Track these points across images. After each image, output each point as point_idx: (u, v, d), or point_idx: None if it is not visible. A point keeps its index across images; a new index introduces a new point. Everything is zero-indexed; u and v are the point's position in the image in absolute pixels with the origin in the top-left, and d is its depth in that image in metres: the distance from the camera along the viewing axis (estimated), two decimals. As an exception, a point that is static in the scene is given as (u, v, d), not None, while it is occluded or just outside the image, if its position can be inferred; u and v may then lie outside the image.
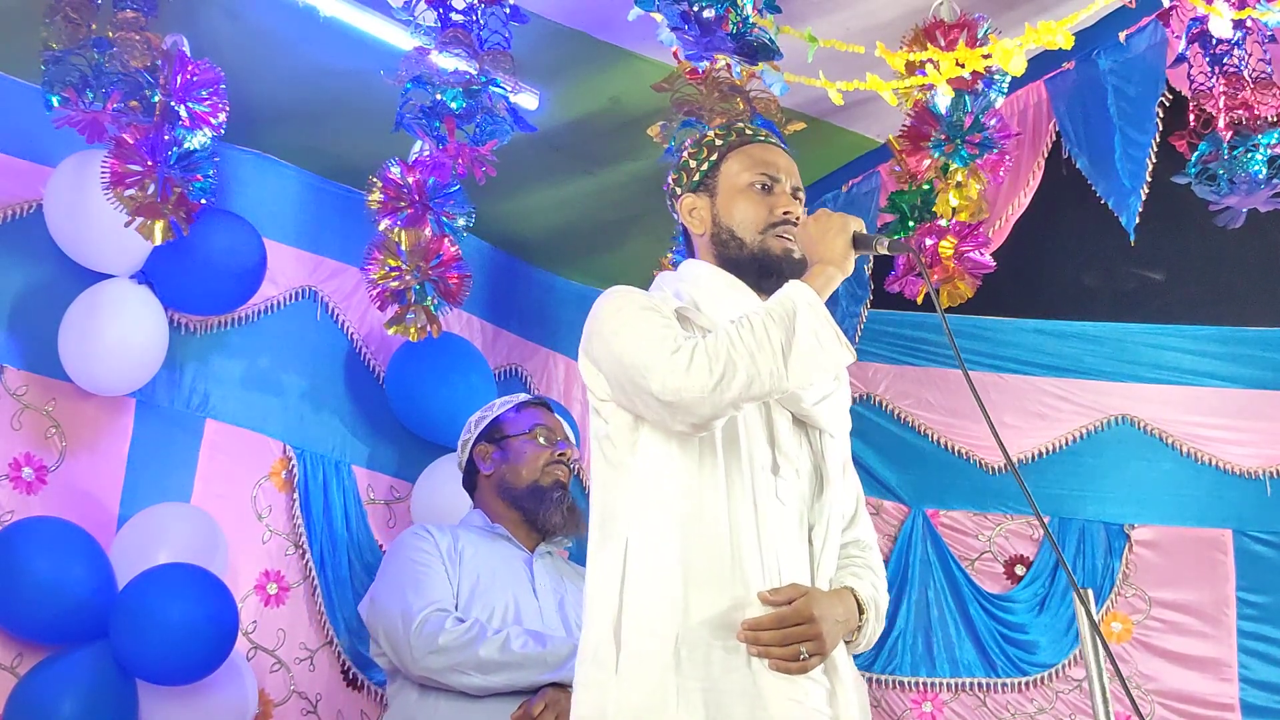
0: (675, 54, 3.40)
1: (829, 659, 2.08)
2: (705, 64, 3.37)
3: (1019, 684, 4.41)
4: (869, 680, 4.38)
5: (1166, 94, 3.77)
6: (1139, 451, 4.56)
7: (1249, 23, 3.33)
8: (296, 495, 3.87)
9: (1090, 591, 2.52)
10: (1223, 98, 3.35)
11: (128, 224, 3.18)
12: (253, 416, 3.87)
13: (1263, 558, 4.45)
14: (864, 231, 2.19)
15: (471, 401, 3.61)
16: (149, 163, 3.14)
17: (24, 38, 3.26)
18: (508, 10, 3.33)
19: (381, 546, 3.95)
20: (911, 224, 3.68)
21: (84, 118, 3.19)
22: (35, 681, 3.19)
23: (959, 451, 4.62)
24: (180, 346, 3.73)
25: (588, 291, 4.57)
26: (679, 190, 2.38)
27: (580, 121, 4.01)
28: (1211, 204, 3.44)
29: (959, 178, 3.64)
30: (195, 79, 3.20)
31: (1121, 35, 3.80)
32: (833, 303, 4.52)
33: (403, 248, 3.38)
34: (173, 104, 3.16)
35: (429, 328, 3.44)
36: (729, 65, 3.38)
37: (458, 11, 3.27)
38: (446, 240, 3.42)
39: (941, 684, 4.43)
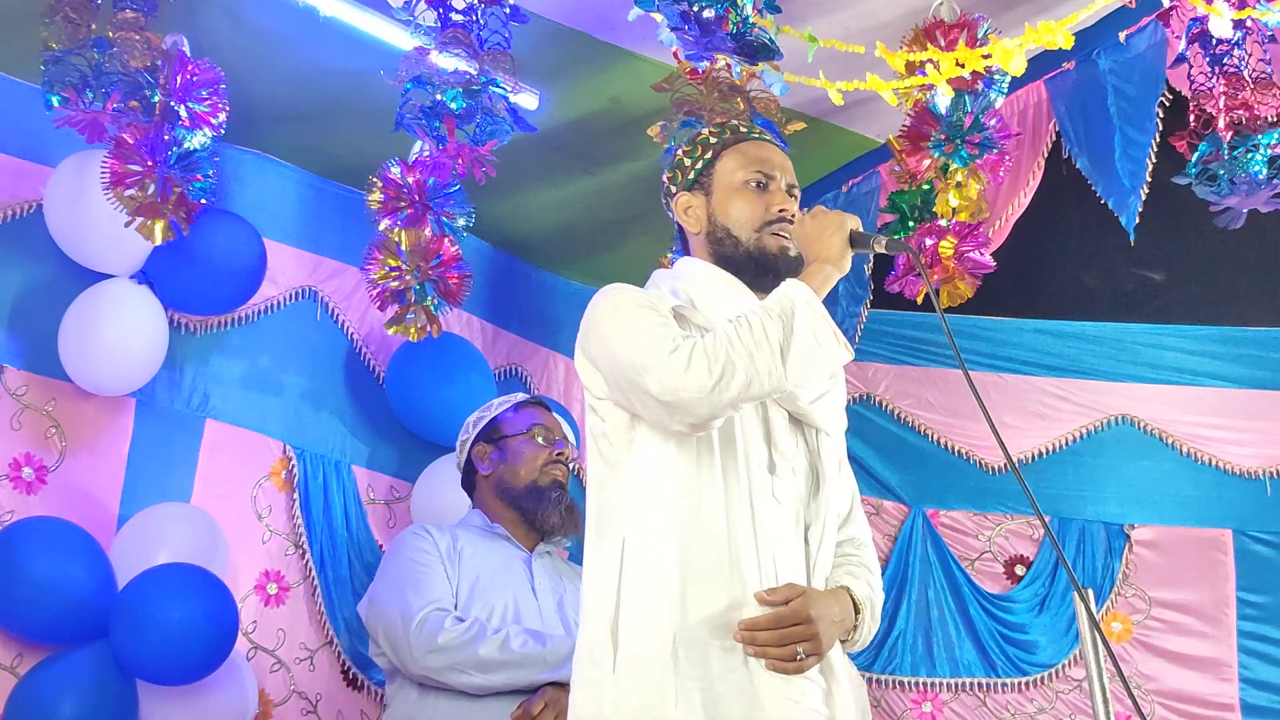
0: (675, 54, 3.40)
1: (825, 659, 2.08)
2: (705, 64, 3.37)
3: (1019, 684, 4.41)
4: (869, 680, 4.38)
5: (1166, 94, 3.77)
6: (1139, 451, 4.56)
7: (1249, 23, 3.33)
8: (296, 495, 3.87)
9: (1090, 591, 2.52)
10: (1223, 98, 3.35)
11: (128, 224, 3.18)
12: (253, 416, 3.87)
13: (1263, 558, 4.45)
14: (860, 230, 2.19)
15: (471, 401, 3.61)
16: (149, 163, 3.14)
17: (24, 38, 3.26)
18: (508, 10, 3.33)
19: (381, 546, 3.95)
20: (911, 224, 3.68)
21: (84, 118, 3.19)
22: (35, 681, 3.19)
23: (959, 451, 4.62)
24: (180, 346, 3.73)
25: (588, 291, 4.53)
26: (674, 188, 2.36)
27: (580, 121, 4.01)
28: (1212, 204, 3.44)
29: (959, 178, 3.64)
30: (195, 79, 3.20)
31: (1121, 35, 3.80)
32: (833, 302, 4.53)
33: (403, 248, 3.38)
34: (173, 104, 3.16)
35: (429, 328, 3.44)
36: (729, 65, 3.38)
37: (458, 11, 3.27)
38: (446, 240, 3.42)
39: (941, 684, 4.43)
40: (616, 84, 3.88)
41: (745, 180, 2.29)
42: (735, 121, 2.46)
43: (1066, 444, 4.59)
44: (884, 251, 2.21)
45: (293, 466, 3.90)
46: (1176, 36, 3.54)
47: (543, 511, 3.24)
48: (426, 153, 3.40)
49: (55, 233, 3.50)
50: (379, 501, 4.10)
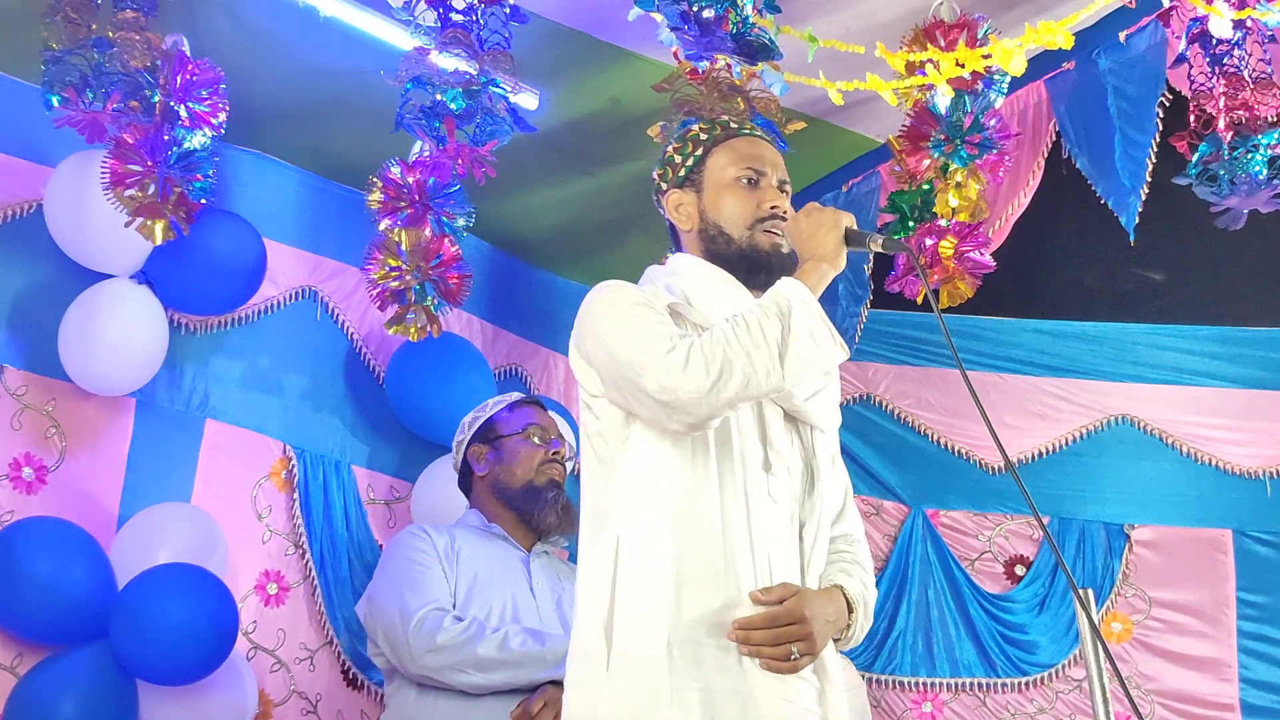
0: (675, 54, 3.40)
1: (819, 658, 2.07)
2: (705, 64, 3.37)
3: (1019, 684, 4.41)
4: (869, 680, 4.38)
5: (1166, 94, 3.77)
6: (1139, 451, 4.56)
7: (1249, 23, 3.33)
8: (296, 495, 3.87)
9: (1090, 591, 2.52)
10: (1223, 98, 3.35)
11: (128, 224, 3.18)
12: (253, 416, 3.87)
13: (1263, 558, 4.45)
14: (855, 227, 2.18)
15: (471, 401, 3.61)
16: (149, 163, 3.14)
17: (24, 38, 3.26)
18: (508, 10, 3.33)
19: (381, 546, 3.95)
20: (911, 224, 3.68)
21: (84, 118, 3.19)
22: (35, 681, 3.19)
23: (959, 451, 4.62)
24: (180, 346, 3.73)
25: (587, 292, 4.56)
26: (665, 185, 2.35)
27: (580, 121, 4.01)
28: (1212, 205, 3.44)
29: (959, 178, 3.64)
30: (195, 79, 3.20)
31: (1121, 35, 3.80)
32: (832, 302, 4.53)
33: (403, 248, 3.38)
34: (173, 104, 3.16)
35: (429, 328, 3.43)
36: (729, 65, 3.37)
37: (458, 11, 3.27)
38: (446, 240, 3.42)
39: (941, 684, 4.43)
40: (616, 84, 3.87)
41: (736, 177, 2.28)
42: (726, 117, 2.44)
43: (1066, 444, 4.59)
44: (880, 250, 2.20)
45: (293, 466, 3.90)
46: (1176, 36, 3.54)
47: (539, 511, 3.24)
48: (426, 153, 3.40)
49: (55, 233, 3.50)
50: (379, 501, 4.10)
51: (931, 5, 3.63)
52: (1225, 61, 3.38)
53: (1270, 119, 3.31)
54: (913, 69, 3.46)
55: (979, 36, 3.51)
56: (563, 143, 4.06)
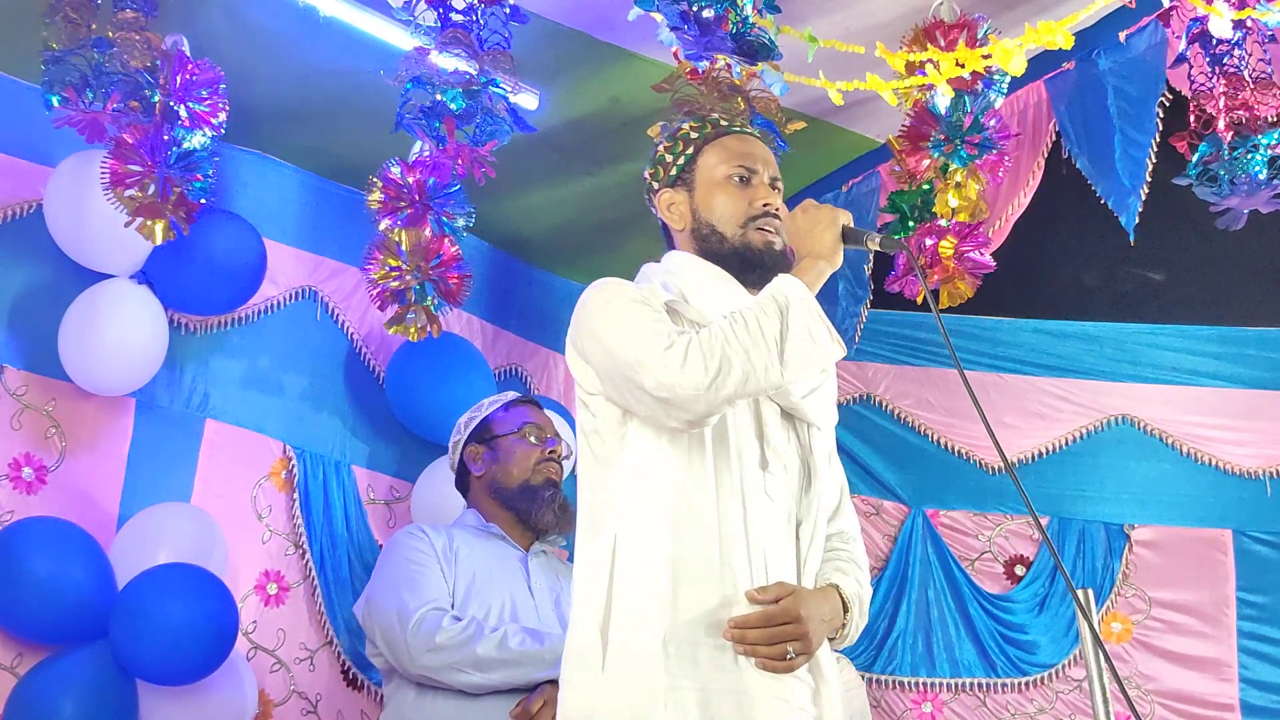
0: (675, 54, 3.40)
1: (814, 658, 2.07)
2: (705, 64, 3.37)
3: (1019, 684, 4.41)
4: (869, 680, 4.38)
5: (1166, 94, 3.77)
6: (1139, 451, 4.57)
7: (1249, 23, 3.33)
8: (296, 495, 3.87)
9: (1090, 591, 2.52)
10: (1223, 98, 3.35)
11: (128, 224, 3.18)
12: (253, 416, 3.87)
13: (1263, 558, 4.45)
14: (852, 225, 2.18)
15: (471, 401, 3.60)
16: (149, 163, 3.14)
17: (24, 38, 3.26)
18: (508, 10, 3.33)
19: (382, 546, 3.95)
20: (911, 224, 3.68)
21: (84, 118, 3.19)
22: (35, 681, 3.19)
23: (959, 451, 4.62)
24: (180, 346, 3.73)
25: (587, 291, 4.56)
26: (656, 185, 2.34)
27: (580, 121, 4.01)
28: (1212, 205, 3.44)
29: (958, 178, 3.64)
30: (195, 79, 3.20)
31: (1121, 35, 3.80)
32: (832, 302, 4.53)
33: (403, 248, 3.38)
34: (173, 104, 3.16)
35: (429, 328, 3.43)
36: (729, 65, 3.37)
37: (458, 11, 3.27)
38: (446, 240, 3.42)
39: (941, 684, 4.43)
40: (616, 84, 3.88)
41: (728, 175, 2.27)
42: (716, 115, 2.44)
43: (1066, 444, 4.59)
44: (877, 249, 2.20)
45: (293, 466, 3.90)
46: (1176, 36, 3.54)
47: (536, 511, 3.23)
48: (426, 153, 3.40)
49: (55, 233, 3.50)
50: (379, 501, 4.10)
51: (931, 5, 3.63)
52: (1225, 61, 3.38)
53: (1270, 119, 3.31)
54: (913, 69, 3.46)
55: (979, 36, 3.51)
56: (563, 143, 4.06)
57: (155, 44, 3.19)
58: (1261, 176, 3.30)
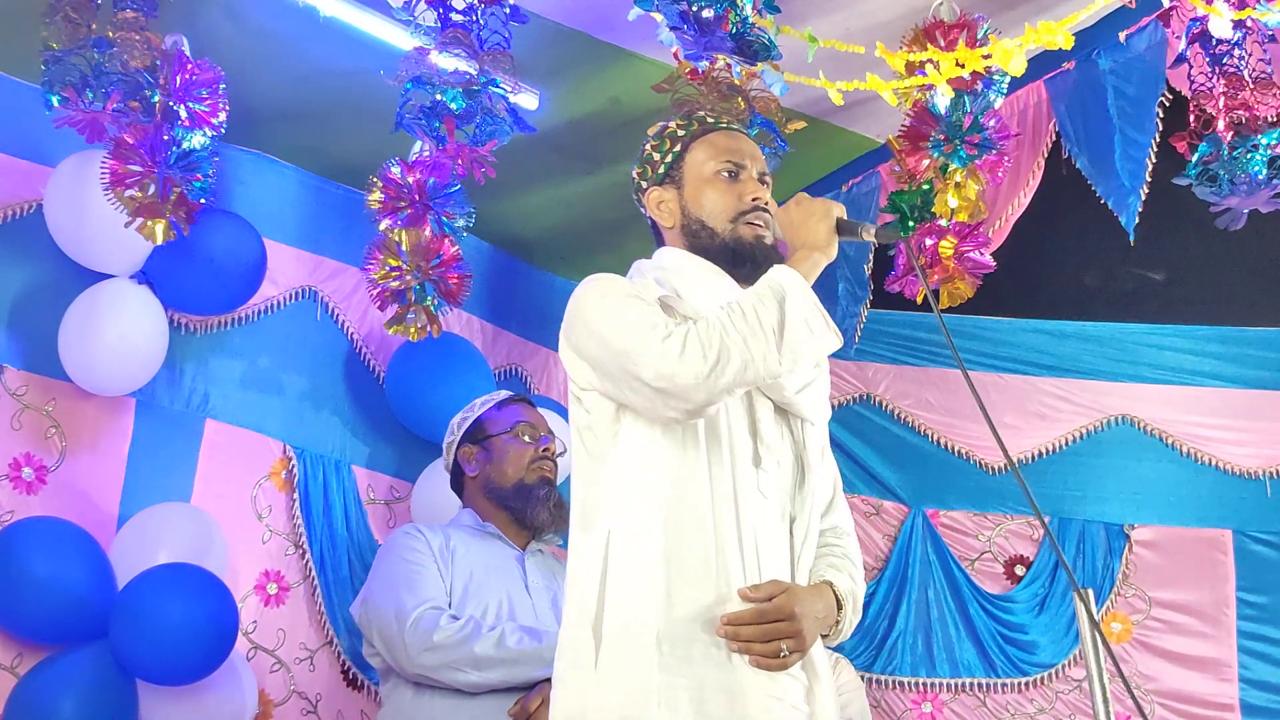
0: (675, 54, 3.40)
1: (807, 655, 2.07)
2: (705, 64, 3.37)
3: (1019, 684, 4.42)
4: (869, 680, 4.38)
5: (1166, 94, 3.77)
6: (1139, 451, 4.57)
7: (1249, 23, 3.33)
8: (296, 495, 3.87)
9: (1090, 591, 2.52)
10: (1223, 98, 3.35)
11: (128, 224, 3.18)
12: (253, 416, 3.87)
13: (1263, 558, 4.45)
14: (845, 217, 2.18)
15: (471, 401, 3.61)
16: (149, 163, 3.14)
17: (24, 38, 3.26)
18: (508, 10, 3.33)
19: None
20: (911, 224, 3.68)
21: (84, 118, 3.19)
22: (35, 681, 3.19)
23: (959, 451, 4.62)
24: (180, 346, 3.73)
25: (585, 290, 4.56)
26: (644, 184, 2.34)
27: (580, 121, 4.01)
28: (1212, 205, 3.44)
29: (958, 178, 3.64)
30: (195, 79, 3.20)
31: (1121, 35, 3.80)
32: (832, 302, 4.53)
33: (403, 248, 3.38)
34: (173, 104, 3.16)
35: (429, 328, 3.43)
36: (729, 65, 3.38)
37: (458, 11, 3.27)
38: (446, 240, 3.42)
39: (941, 684, 4.43)
40: (616, 84, 3.88)
41: (716, 171, 2.27)
42: (702, 112, 2.43)
43: (1066, 444, 4.59)
44: (872, 239, 2.21)
45: (293, 466, 3.90)
46: (1176, 36, 3.54)
47: (531, 509, 3.22)
48: (426, 153, 3.40)
49: (55, 233, 3.50)
50: (379, 501, 4.10)
51: (931, 5, 3.63)
52: (1225, 61, 3.38)
53: (1270, 119, 3.32)
54: (913, 69, 3.46)
55: (979, 36, 3.51)
56: (563, 143, 4.06)
57: (155, 44, 3.19)
58: (1261, 176, 3.30)
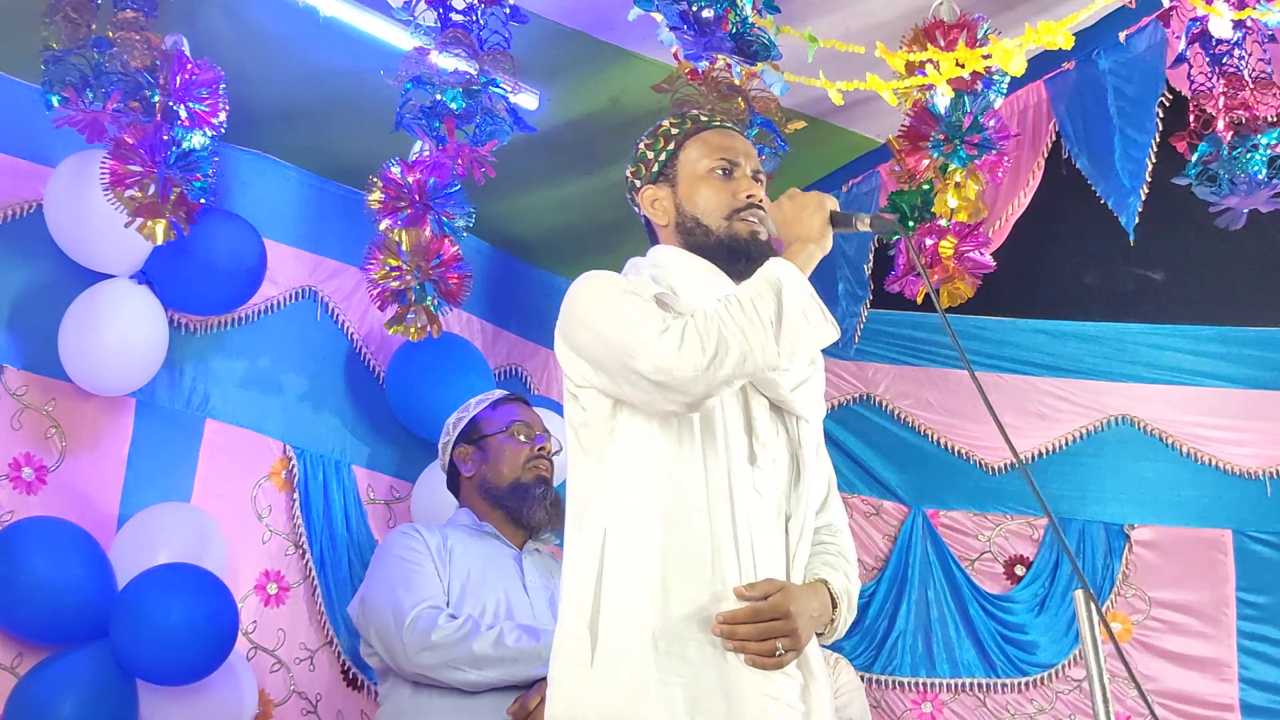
0: (675, 54, 3.40)
1: (802, 654, 2.07)
2: (705, 64, 3.37)
3: (1019, 684, 4.42)
4: (869, 680, 4.38)
5: (1166, 94, 3.77)
6: (1139, 451, 4.57)
7: (1249, 23, 3.33)
8: (296, 495, 3.88)
9: (1090, 592, 2.52)
10: (1223, 98, 3.35)
11: (128, 224, 3.18)
12: (253, 416, 3.87)
13: (1263, 558, 4.45)
14: (839, 209, 2.18)
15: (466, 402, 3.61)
16: (149, 163, 3.14)
17: (24, 38, 3.26)
18: (508, 10, 3.33)
19: (382, 546, 3.95)
20: (911, 224, 3.69)
21: (84, 118, 3.19)
22: (35, 681, 3.19)
23: (959, 451, 4.62)
24: (180, 346, 3.73)
25: (584, 290, 4.56)
26: (638, 183, 2.34)
27: (580, 121, 4.02)
28: (1212, 205, 3.44)
29: (958, 178, 3.64)
30: (195, 79, 3.20)
31: (1121, 35, 3.80)
32: (833, 302, 4.53)
33: (403, 248, 3.38)
34: (172, 104, 3.16)
35: (429, 328, 3.44)
36: (729, 65, 3.38)
37: (458, 11, 3.27)
38: (446, 240, 3.42)
39: (941, 684, 4.43)
40: (616, 84, 3.88)
41: (710, 168, 2.27)
42: (695, 111, 2.43)
43: (1066, 444, 4.59)
44: (867, 229, 2.20)
45: (293, 466, 3.90)
46: (1176, 36, 3.54)
47: (528, 508, 3.22)
48: (426, 153, 3.40)
49: (55, 233, 3.50)
50: (379, 501, 4.10)
51: (931, 5, 3.63)
52: (1225, 61, 3.38)
53: (1270, 119, 3.32)
54: (913, 69, 3.47)
55: (979, 36, 3.51)
56: (563, 143, 4.06)
57: (155, 44, 3.19)
58: (1261, 176, 3.30)
